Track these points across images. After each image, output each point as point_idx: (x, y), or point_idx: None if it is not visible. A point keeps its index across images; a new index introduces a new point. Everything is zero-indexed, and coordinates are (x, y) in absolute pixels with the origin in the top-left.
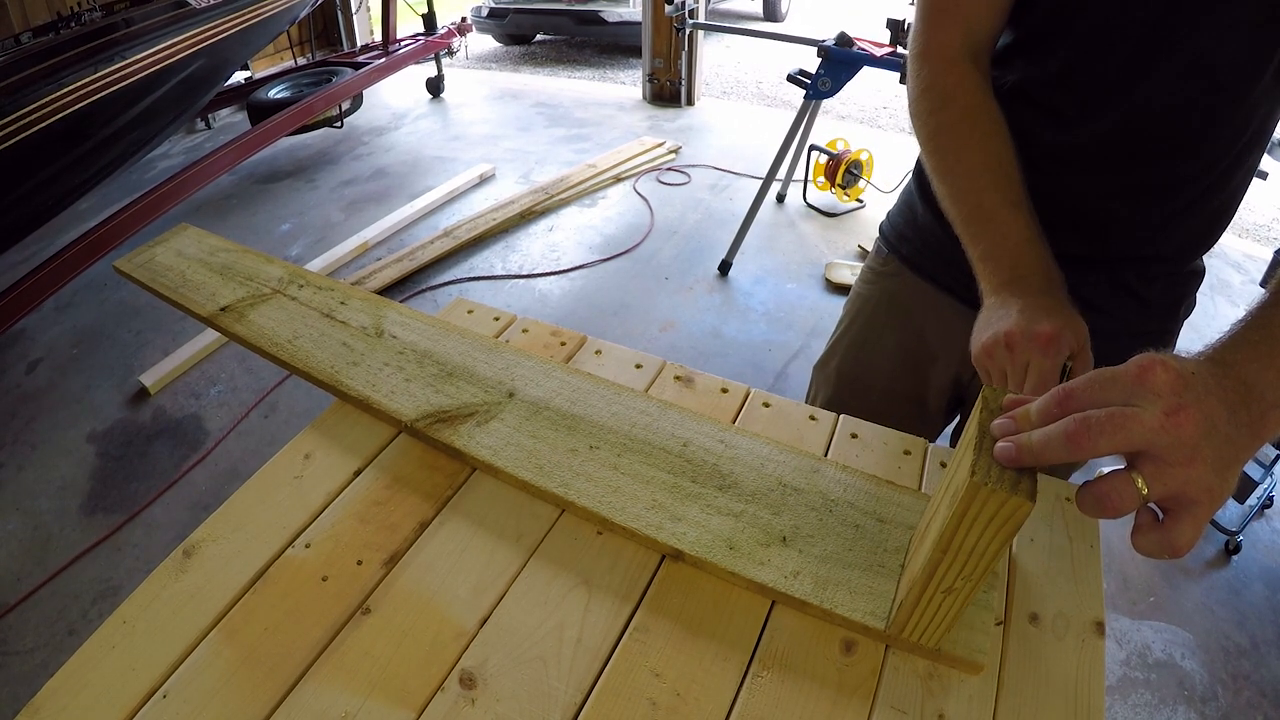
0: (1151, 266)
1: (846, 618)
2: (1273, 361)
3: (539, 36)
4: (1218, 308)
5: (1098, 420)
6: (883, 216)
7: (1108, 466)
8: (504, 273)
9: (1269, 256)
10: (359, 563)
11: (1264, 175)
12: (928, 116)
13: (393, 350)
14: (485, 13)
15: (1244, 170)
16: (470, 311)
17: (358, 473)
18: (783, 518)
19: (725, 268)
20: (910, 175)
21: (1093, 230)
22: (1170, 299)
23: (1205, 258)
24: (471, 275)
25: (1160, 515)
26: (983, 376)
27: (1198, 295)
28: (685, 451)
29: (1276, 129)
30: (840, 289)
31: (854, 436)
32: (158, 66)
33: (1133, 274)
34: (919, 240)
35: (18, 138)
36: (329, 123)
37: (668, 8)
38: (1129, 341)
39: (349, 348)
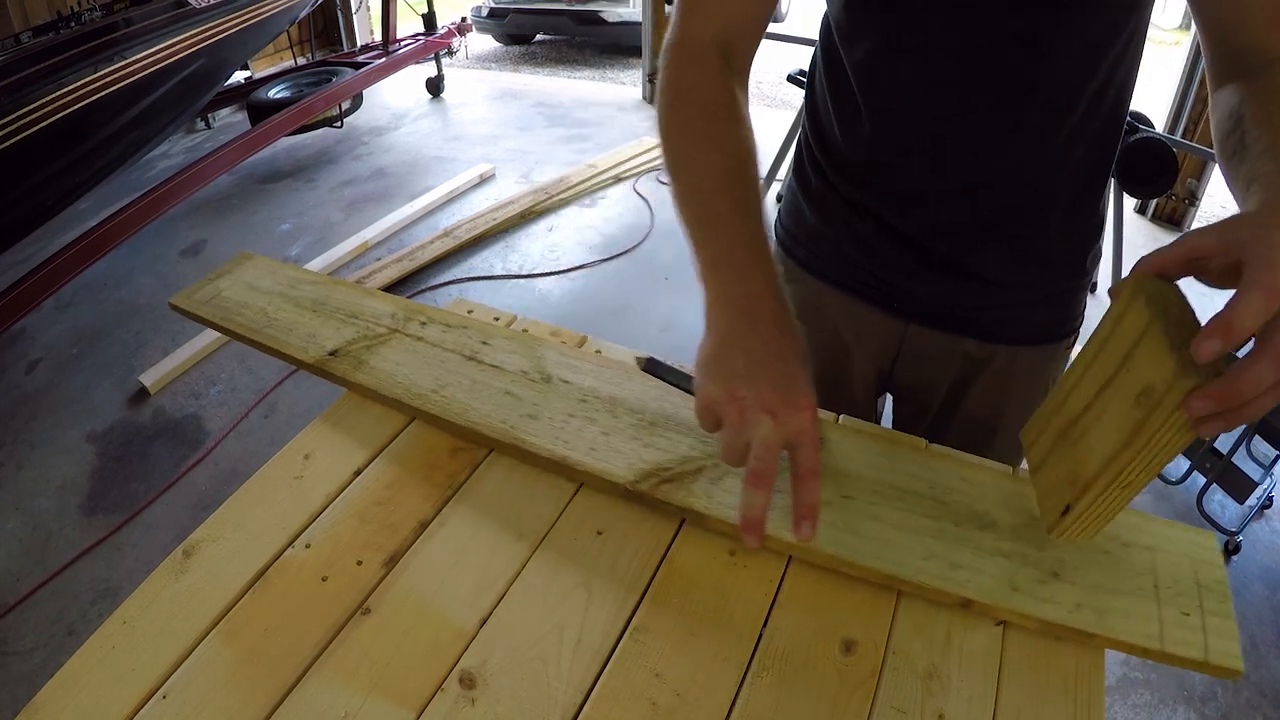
0: (1046, 222)
1: (1130, 643)
2: None
3: (539, 36)
4: (1218, 308)
5: None
6: None
7: None
8: (504, 273)
9: None
10: (359, 563)
11: None
12: (665, 111)
13: (571, 398)
14: (485, 13)
15: (1121, 97)
16: (470, 311)
17: (358, 473)
18: (1046, 552)
19: None
20: (790, 172)
21: (965, 192)
22: (1077, 255)
23: None
24: (471, 275)
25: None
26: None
27: (1197, 299)
28: (933, 493)
29: None
30: None
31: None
32: (158, 66)
33: (1028, 235)
34: (810, 243)
35: (18, 137)
36: (329, 123)
37: (668, 8)
38: (1043, 308)
39: (516, 397)
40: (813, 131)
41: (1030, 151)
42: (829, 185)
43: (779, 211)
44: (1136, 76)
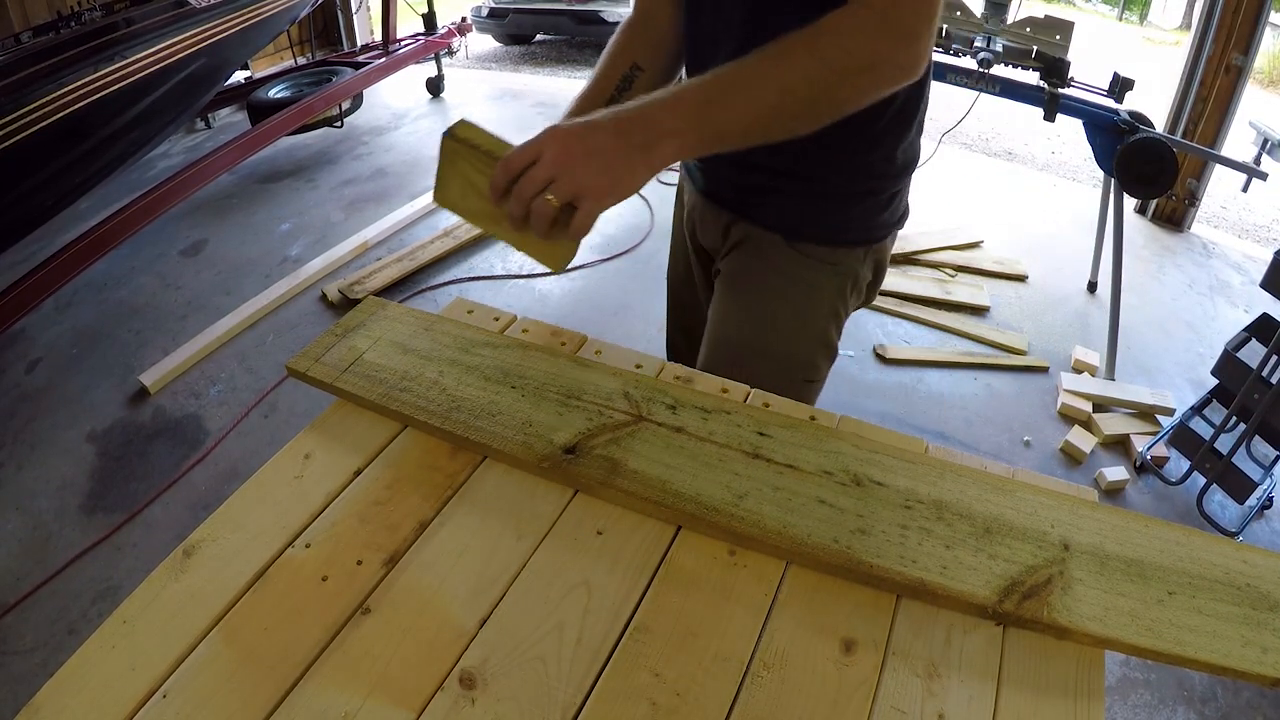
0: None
1: None
2: (675, 108)
3: (539, 36)
4: (1218, 308)
5: (528, 180)
6: None
7: (1109, 470)
8: (504, 273)
9: (1269, 257)
10: (359, 563)
11: (1264, 176)
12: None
13: (895, 504)
14: (485, 13)
15: None
16: (470, 311)
17: (358, 473)
18: None
19: None
20: None
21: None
22: (845, 177)
23: (1205, 260)
24: (471, 275)
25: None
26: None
27: (1197, 299)
28: (1229, 579)
29: None
30: None
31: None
32: (158, 66)
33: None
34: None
35: (18, 137)
36: (329, 122)
37: None
38: (808, 207)
39: (833, 507)
40: None
41: None
42: None
43: None
44: None
